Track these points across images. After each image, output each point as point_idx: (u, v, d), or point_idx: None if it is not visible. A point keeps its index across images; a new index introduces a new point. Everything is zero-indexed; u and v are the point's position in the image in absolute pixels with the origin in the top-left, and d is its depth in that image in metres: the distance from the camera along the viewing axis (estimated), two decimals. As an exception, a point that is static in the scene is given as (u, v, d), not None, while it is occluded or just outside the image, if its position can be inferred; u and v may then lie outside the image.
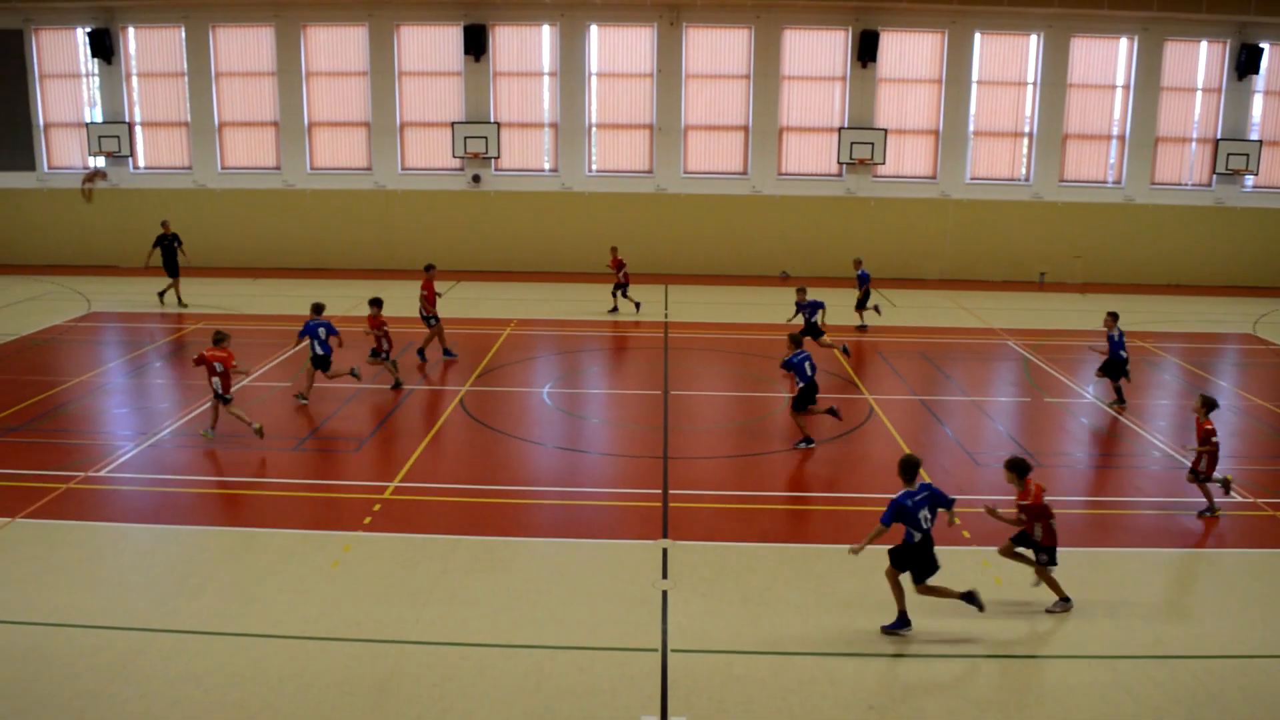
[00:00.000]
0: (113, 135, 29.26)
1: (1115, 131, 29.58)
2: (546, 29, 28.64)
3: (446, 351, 19.39)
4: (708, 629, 9.27)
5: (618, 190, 29.18)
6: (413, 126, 29.25)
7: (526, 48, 28.80)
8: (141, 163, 29.98)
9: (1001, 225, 29.48)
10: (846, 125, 28.92)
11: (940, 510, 9.43)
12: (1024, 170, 29.69)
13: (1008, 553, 10.03)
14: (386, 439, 14.86)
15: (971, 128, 29.36)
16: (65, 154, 30.26)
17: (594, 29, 28.62)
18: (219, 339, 14.53)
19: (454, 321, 22.29)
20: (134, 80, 29.69)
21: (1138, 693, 8.35)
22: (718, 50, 28.79)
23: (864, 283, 22.66)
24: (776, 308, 22.93)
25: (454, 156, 28.83)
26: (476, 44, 28.02)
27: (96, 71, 29.49)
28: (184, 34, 28.87)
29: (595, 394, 17.66)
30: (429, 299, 19.08)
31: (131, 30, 29.29)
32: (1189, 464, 12.43)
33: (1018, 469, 9.79)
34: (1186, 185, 29.77)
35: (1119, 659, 8.88)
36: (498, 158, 28.89)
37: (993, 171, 29.68)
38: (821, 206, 29.23)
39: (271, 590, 10.03)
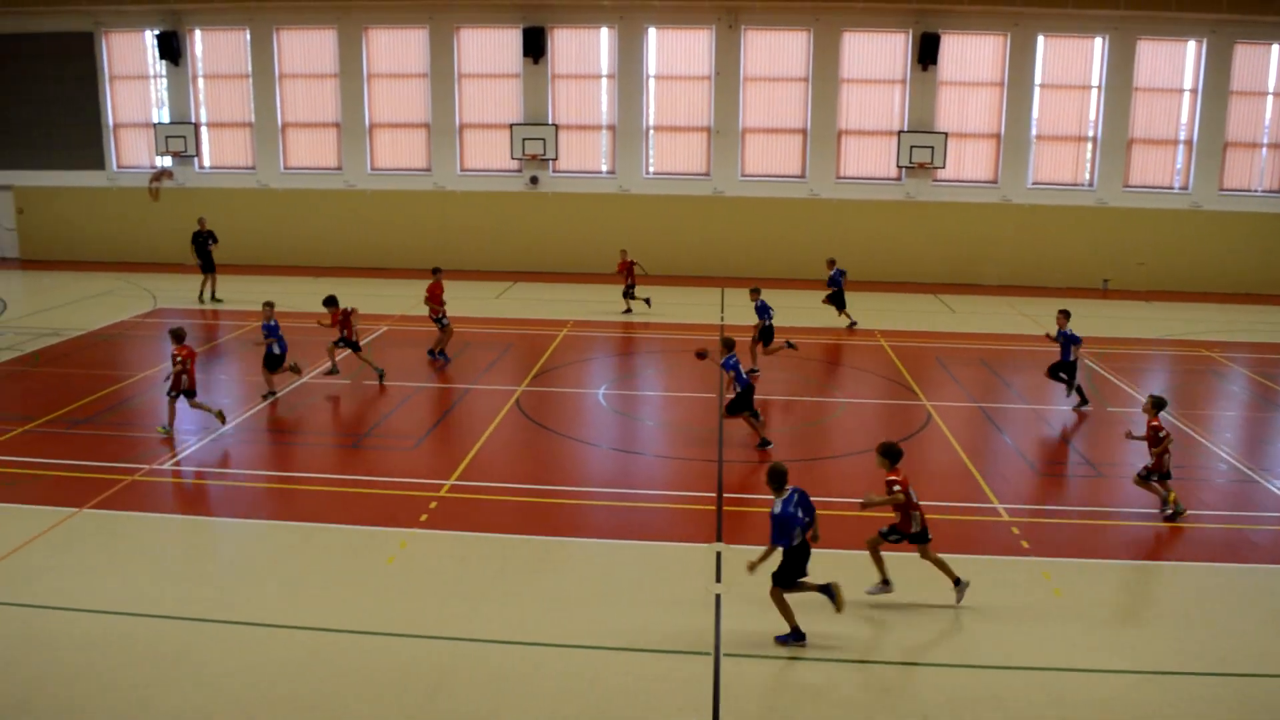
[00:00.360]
0: (179, 135, 29.83)
1: (1182, 136, 28.98)
2: (605, 31, 28.72)
3: (440, 353, 19.14)
4: (762, 635, 9.21)
5: (675, 193, 29.18)
6: (471, 128, 29.48)
7: (585, 50, 28.90)
8: (207, 162, 30.53)
9: (1064, 231, 29.01)
10: (906, 129, 28.65)
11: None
12: (1087, 175, 29.21)
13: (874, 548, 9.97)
14: (443, 437, 14.96)
15: (1034, 132, 28.95)
16: (134, 154, 30.91)
17: (652, 31, 28.65)
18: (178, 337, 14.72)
19: (511, 322, 22.45)
20: (200, 82, 30.25)
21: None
22: (776, 52, 28.67)
23: (836, 282, 22.53)
24: (832, 312, 22.77)
25: (512, 158, 29.01)
26: (535, 46, 28.18)
27: (164, 73, 30.09)
28: (249, 36, 29.34)
29: (650, 396, 17.66)
30: (436, 301, 19.13)
31: (198, 32, 29.85)
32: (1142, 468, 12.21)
33: (890, 455, 9.78)
34: (1256, 191, 29.10)
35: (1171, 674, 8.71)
36: (555, 159, 29.02)
37: (1055, 176, 29.24)
38: (880, 210, 28.99)
39: (329, 585, 10.15)
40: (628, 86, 28.81)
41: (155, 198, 30.34)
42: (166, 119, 30.23)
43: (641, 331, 22.17)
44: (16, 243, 31.63)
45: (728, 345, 14.57)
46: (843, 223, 28.86)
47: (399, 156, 29.86)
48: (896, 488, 9.65)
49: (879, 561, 9.96)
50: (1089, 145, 29.14)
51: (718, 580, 10.28)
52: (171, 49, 29.43)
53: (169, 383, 14.61)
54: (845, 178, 29.15)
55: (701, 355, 15.36)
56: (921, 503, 9.90)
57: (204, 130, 30.42)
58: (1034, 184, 29.17)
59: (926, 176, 28.95)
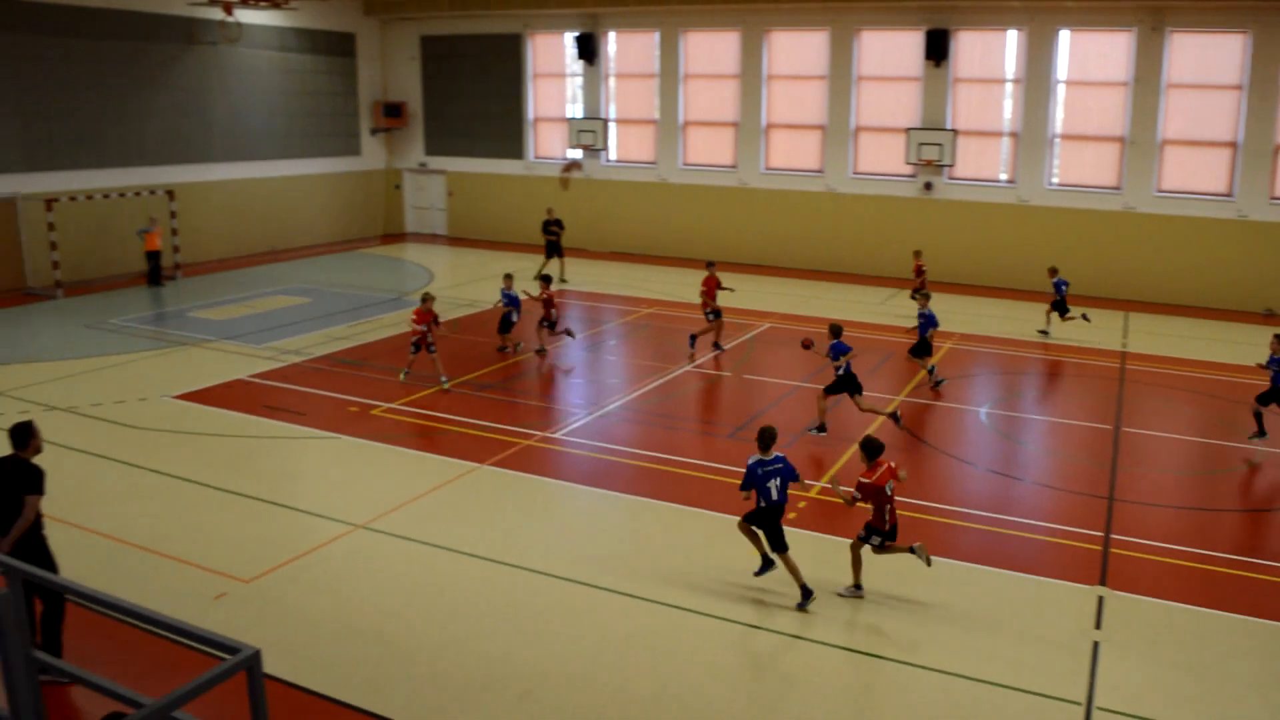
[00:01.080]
0: (590, 130, 31.85)
1: None
2: (1013, 34, 27.44)
3: (715, 345, 19.61)
4: (1142, 692, 8.48)
5: (1082, 206, 27.37)
6: (866, 131, 29.23)
7: (989, 53, 27.75)
8: (613, 156, 32.38)
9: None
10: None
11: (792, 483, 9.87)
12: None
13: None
14: (818, 440, 14.97)
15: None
16: (549, 145, 33.40)
17: (1064, 35, 27.01)
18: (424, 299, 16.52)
19: (893, 329, 22.04)
20: (611, 81, 32.11)
21: None
22: (1203, 56, 26.16)
23: (1059, 289, 21.71)
24: (1252, 347, 20.50)
25: (906, 163, 28.48)
26: (938, 49, 27.45)
27: (580, 72, 32.23)
28: (658, 39, 30.77)
29: (1037, 419, 16.72)
30: (710, 295, 19.35)
31: (612, 35, 31.70)
32: None
33: (869, 449, 9.90)
34: None
35: None
36: (951, 165, 28.16)
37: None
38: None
39: (699, 568, 10.50)
40: (1034, 92, 27.36)
41: (565, 187, 32.55)
42: (579, 114, 32.39)
43: (1035, 351, 21.01)
44: (446, 222, 35.18)
45: (834, 332, 14.96)
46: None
47: (791, 157, 30.17)
48: (855, 494, 9.79)
49: (856, 565, 10.02)
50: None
51: (1097, 626, 9.58)
52: (588, 50, 31.48)
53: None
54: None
55: (808, 345, 16.07)
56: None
57: (612, 126, 32.26)
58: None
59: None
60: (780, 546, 9.74)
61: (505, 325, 19.04)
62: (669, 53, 30.70)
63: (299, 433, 14.60)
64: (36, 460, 8.34)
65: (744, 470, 9.76)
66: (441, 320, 17.68)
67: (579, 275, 27.88)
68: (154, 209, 26.46)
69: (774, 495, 9.71)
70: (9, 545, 7.97)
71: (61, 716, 7.92)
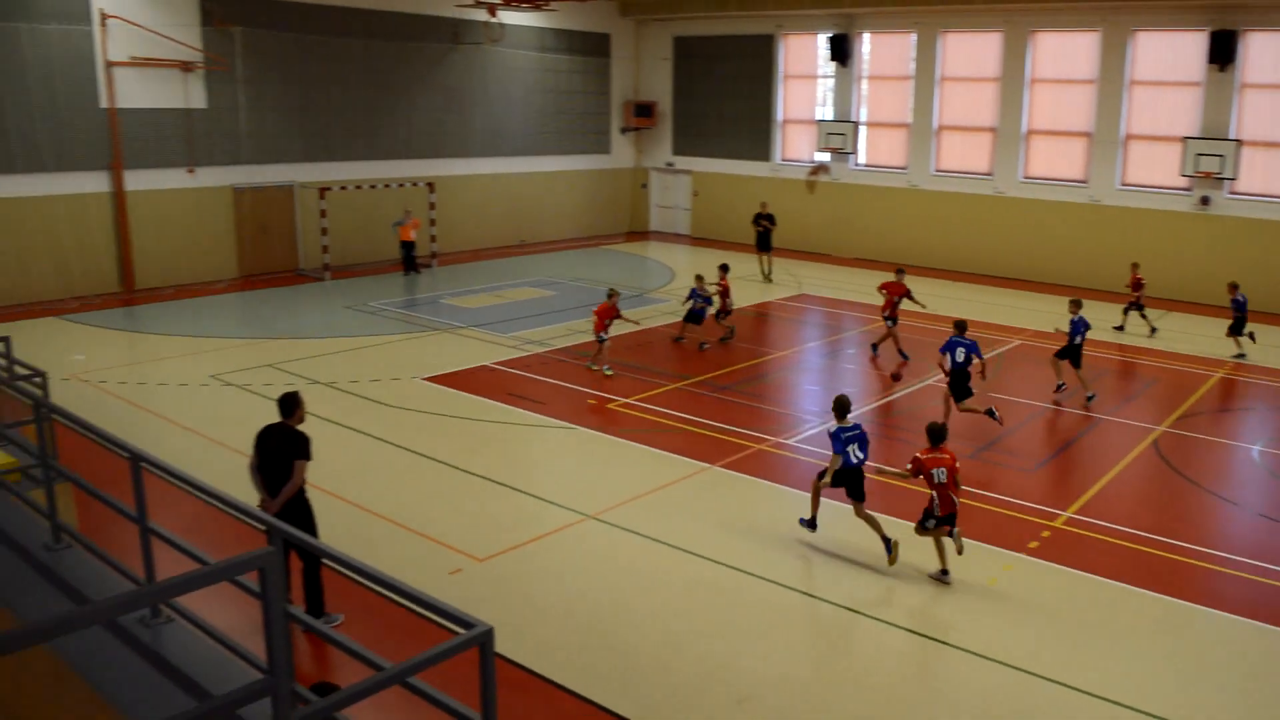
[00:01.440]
0: (839, 133, 31.37)
1: None
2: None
3: (873, 347, 19.61)
4: None
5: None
6: (1137, 140, 27.45)
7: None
8: (861, 160, 31.78)
9: None
10: None
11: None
12: None
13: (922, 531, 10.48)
14: (1066, 465, 14.17)
15: None
16: (796, 148, 33.13)
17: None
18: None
19: (1160, 354, 20.55)
20: (863, 83, 31.50)
21: None
22: None
23: (1240, 308, 20.39)
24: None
25: (1181, 175, 26.54)
26: (1223, 52, 25.41)
27: (832, 73, 31.79)
28: (915, 40, 29.95)
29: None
30: (891, 300, 19.09)
31: (867, 36, 31.08)
32: None
33: (933, 435, 10.41)
34: None
35: None
36: (1233, 179, 26.03)
37: None
38: None
39: (925, 590, 10.10)
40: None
41: (811, 190, 32.31)
42: (829, 116, 31.95)
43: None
44: (689, 221, 35.52)
45: (959, 327, 14.99)
46: None
47: (1052, 165, 28.68)
48: (909, 465, 10.36)
49: (939, 549, 10.38)
50: None
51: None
52: (841, 51, 30.99)
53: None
54: None
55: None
56: None
57: (862, 129, 31.66)
58: None
59: None
60: (859, 496, 10.83)
61: (692, 317, 19.65)
62: (926, 54, 29.81)
63: (538, 421, 15.04)
64: (300, 429, 8.89)
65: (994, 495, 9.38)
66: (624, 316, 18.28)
67: (820, 280, 27.52)
68: (414, 201, 27.96)
69: (853, 459, 10.75)
70: (277, 506, 8.54)
71: (310, 668, 8.41)
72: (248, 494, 8.90)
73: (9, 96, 21.12)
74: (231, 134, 24.98)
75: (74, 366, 17.17)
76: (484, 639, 4.06)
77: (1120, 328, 22.27)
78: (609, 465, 13.44)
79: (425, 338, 19.86)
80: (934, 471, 10.18)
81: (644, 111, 35.40)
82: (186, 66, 23.70)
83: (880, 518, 10.87)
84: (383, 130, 28.32)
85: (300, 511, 8.74)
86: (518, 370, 17.63)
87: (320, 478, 11.94)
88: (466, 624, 4.03)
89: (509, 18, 29.98)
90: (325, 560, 7.49)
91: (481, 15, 28.67)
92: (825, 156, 32.05)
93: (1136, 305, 22.11)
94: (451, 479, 12.75)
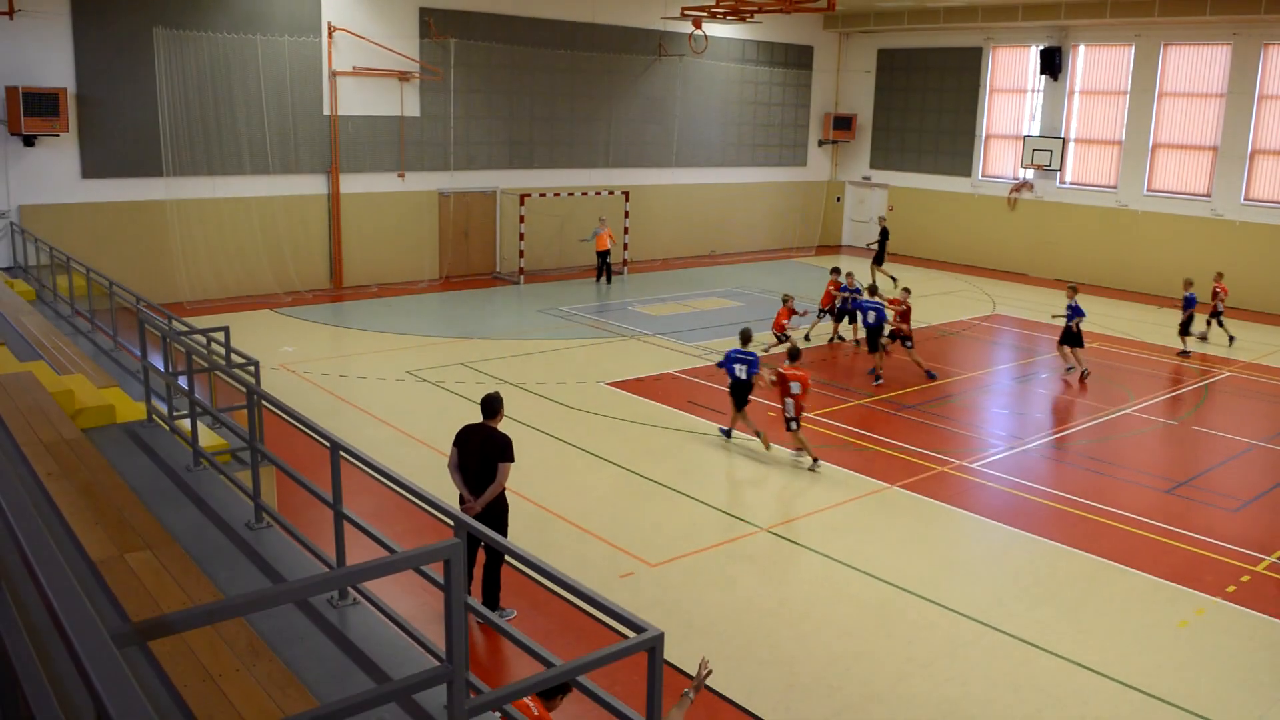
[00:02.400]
0: (1046, 149, 30.24)
1: None
2: None
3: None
4: None
5: None
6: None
7: None
8: (1068, 178, 30.54)
9: None
10: None
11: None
12: None
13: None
14: (1274, 506, 13.29)
15: None
16: (999, 164, 32.11)
17: None
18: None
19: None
20: (1075, 97, 30.25)
21: None
22: None
23: (1189, 305, 20.94)
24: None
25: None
26: None
27: (1041, 88, 30.66)
28: (1133, 52, 28.57)
29: None
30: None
31: (1081, 48, 29.83)
32: None
33: (791, 355, 14.02)
34: None
35: None
36: None
37: None
38: None
39: (1108, 628, 9.68)
40: None
41: (1012, 207, 31.28)
42: (1036, 132, 30.84)
43: None
44: (882, 236, 34.95)
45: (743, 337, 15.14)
46: None
47: (1277, 188, 26.83)
48: (773, 377, 13.91)
49: (806, 447, 13.68)
50: None
51: None
52: (1053, 64, 29.86)
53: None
54: None
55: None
56: None
57: (1070, 146, 30.42)
58: None
59: None
60: (740, 406, 14.35)
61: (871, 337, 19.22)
62: (1144, 68, 28.40)
63: (718, 431, 15.12)
64: (501, 429, 9.16)
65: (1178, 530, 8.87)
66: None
67: (1016, 301, 26.61)
68: (610, 209, 28.52)
69: (739, 375, 14.19)
70: (479, 506, 8.85)
71: (482, 658, 8.75)
72: (436, 486, 9.32)
73: (242, 103, 22.73)
74: (441, 141, 26.12)
75: (283, 357, 18.32)
76: (654, 643, 4.14)
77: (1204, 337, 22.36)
78: (787, 478, 13.41)
79: (612, 343, 20.27)
80: (791, 384, 13.50)
81: (843, 124, 35.05)
82: (404, 76, 24.94)
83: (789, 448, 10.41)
84: (583, 139, 29.04)
85: (498, 511, 9.03)
86: (700, 379, 17.78)
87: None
88: (637, 627, 4.13)
89: (713, 30, 30.23)
90: (507, 557, 7.78)
91: (687, 28, 29.02)
92: (1030, 173, 30.97)
93: (1215, 315, 22.31)
94: (630, 484, 12.99)
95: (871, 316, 18.58)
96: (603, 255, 26.84)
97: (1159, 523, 12.27)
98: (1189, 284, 21.21)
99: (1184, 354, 21.08)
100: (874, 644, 9.22)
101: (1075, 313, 18.64)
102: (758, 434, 14.21)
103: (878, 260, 27.95)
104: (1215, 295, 22.21)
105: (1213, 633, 9.68)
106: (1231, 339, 22.14)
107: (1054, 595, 10.33)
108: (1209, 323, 22.31)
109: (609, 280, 27.05)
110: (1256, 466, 14.75)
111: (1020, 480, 13.59)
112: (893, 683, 8.58)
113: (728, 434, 14.73)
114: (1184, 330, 21.26)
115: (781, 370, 13.82)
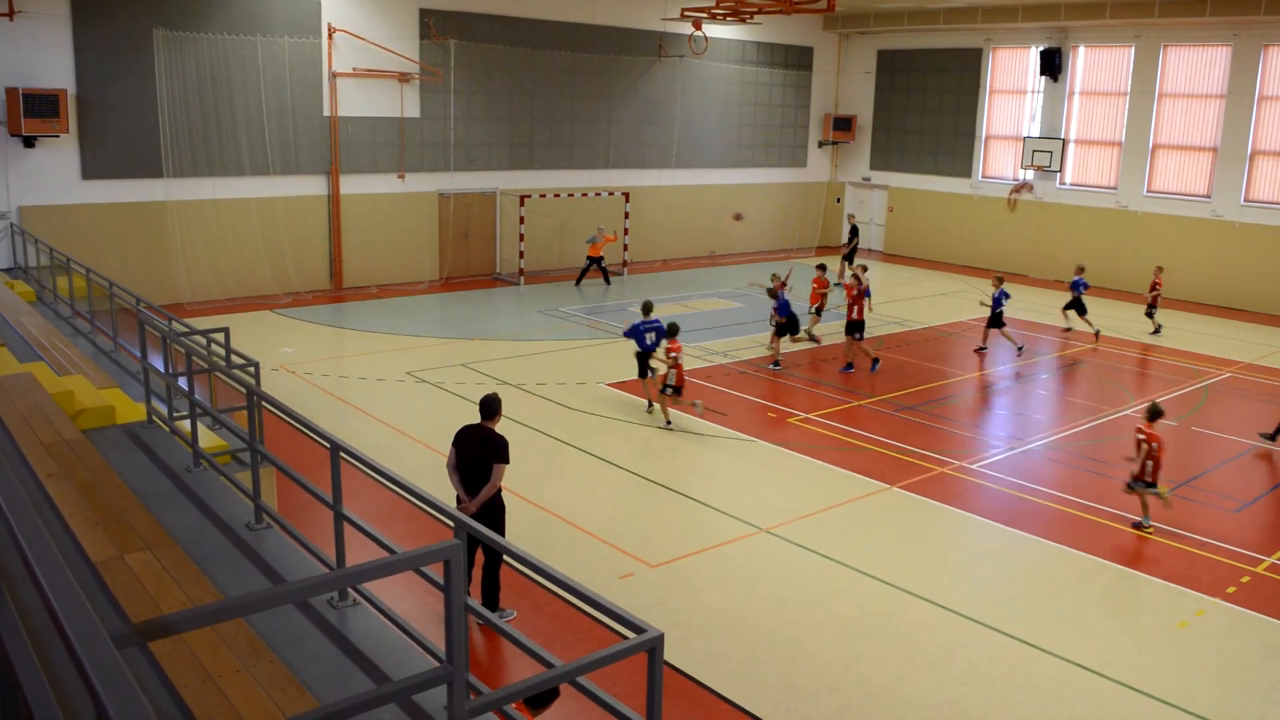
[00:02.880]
0: (1045, 150, 30.25)
1: None
2: None
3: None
4: None
5: None
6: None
7: None
8: (1068, 179, 30.54)
9: None
10: None
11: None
12: None
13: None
14: (1274, 508, 13.29)
15: None
16: (998, 165, 32.12)
17: None
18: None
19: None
20: (1075, 98, 30.26)
21: None
22: None
23: (1076, 289, 22.24)
24: None
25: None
26: None
27: (1041, 88, 30.66)
28: (1133, 53, 28.57)
29: None
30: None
31: (1081, 49, 29.84)
32: None
33: (670, 331, 15.35)
34: None
35: None
36: None
37: None
38: None
39: (1108, 629, 9.68)
40: None
41: (1012, 209, 31.30)
42: (1036, 133, 30.84)
43: None
44: (883, 237, 34.95)
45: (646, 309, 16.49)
46: None
47: (1277, 189, 26.84)
48: (672, 353, 15.06)
49: (665, 410, 15.43)
50: None
51: None
52: (1053, 65, 29.87)
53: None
54: None
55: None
56: None
57: (1070, 147, 30.43)
58: None
59: None
60: (643, 374, 15.88)
61: (782, 329, 19.42)
62: (1144, 69, 28.40)
63: (718, 432, 15.14)
64: (498, 431, 9.18)
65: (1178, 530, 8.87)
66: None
67: (1016, 301, 26.59)
68: (610, 210, 28.52)
69: (646, 343, 15.65)
70: (475, 507, 8.86)
71: (482, 659, 8.75)
72: (435, 488, 9.32)
73: (242, 104, 22.73)
74: (441, 142, 26.12)
75: (283, 358, 18.32)
76: (654, 644, 4.14)
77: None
78: (786, 479, 13.41)
79: (611, 345, 20.26)
80: (674, 354, 14.93)
81: (843, 125, 35.06)
82: (403, 77, 24.94)
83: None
84: (583, 141, 29.04)
85: (494, 512, 9.04)
86: (700, 380, 17.77)
87: (504, 478, 12.38)
88: (637, 628, 4.13)
89: (713, 31, 30.24)
90: (506, 558, 7.78)
91: (687, 29, 29.03)
92: (1029, 174, 30.98)
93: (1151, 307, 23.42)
94: (629, 484, 13.00)
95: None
96: (595, 260, 26.76)
97: (1159, 524, 12.26)
98: (1080, 269, 22.57)
99: (1066, 330, 22.95)
100: (874, 644, 9.22)
101: (1000, 299, 20.32)
102: (694, 405, 15.40)
103: (848, 258, 28.60)
104: (1153, 287, 23.07)
105: (1213, 633, 9.68)
106: (1158, 328, 23.07)
107: (1054, 595, 10.33)
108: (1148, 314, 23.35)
109: (607, 282, 26.99)
110: (1256, 467, 14.75)
111: (1020, 481, 13.59)
112: (893, 683, 8.58)
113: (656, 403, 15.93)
114: (1077, 308, 22.27)
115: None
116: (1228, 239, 27.14)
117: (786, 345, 19.73)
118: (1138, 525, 12.05)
